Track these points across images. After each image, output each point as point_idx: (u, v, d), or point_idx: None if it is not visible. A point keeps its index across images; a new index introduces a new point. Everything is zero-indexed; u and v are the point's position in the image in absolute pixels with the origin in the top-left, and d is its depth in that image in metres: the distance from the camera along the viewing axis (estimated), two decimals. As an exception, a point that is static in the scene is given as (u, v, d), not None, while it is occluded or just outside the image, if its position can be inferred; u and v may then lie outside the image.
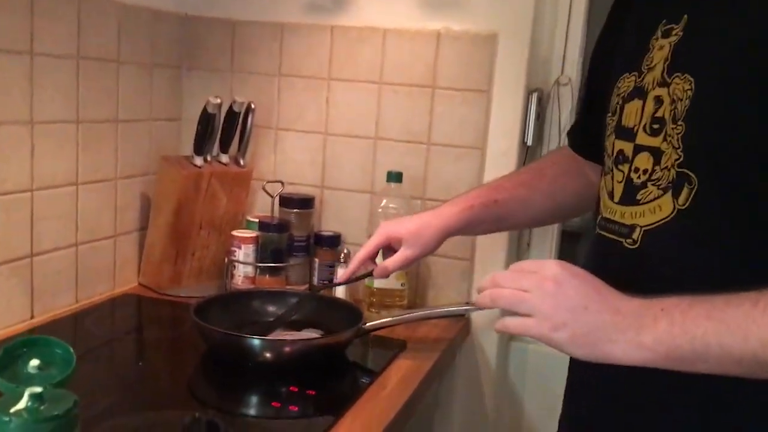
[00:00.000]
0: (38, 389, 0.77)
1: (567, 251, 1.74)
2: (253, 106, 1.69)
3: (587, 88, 1.19)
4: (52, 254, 1.43)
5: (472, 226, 1.28)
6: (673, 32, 0.87)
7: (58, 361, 0.99)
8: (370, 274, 1.36)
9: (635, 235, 0.88)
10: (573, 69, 1.65)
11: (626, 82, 0.94)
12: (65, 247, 1.46)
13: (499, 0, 1.59)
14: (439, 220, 1.26)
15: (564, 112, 1.66)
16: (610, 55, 1.02)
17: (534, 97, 1.61)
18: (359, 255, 1.32)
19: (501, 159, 1.60)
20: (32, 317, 1.39)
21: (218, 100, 1.61)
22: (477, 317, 1.63)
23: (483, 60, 1.60)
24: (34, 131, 1.34)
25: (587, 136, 1.15)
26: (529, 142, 1.62)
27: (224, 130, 1.66)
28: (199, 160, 1.64)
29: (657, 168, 0.86)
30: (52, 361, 0.98)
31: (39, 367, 0.95)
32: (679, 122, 0.82)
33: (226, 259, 1.66)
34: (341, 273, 1.52)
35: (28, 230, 1.36)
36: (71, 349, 1.00)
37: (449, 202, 1.29)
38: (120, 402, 1.13)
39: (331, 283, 1.64)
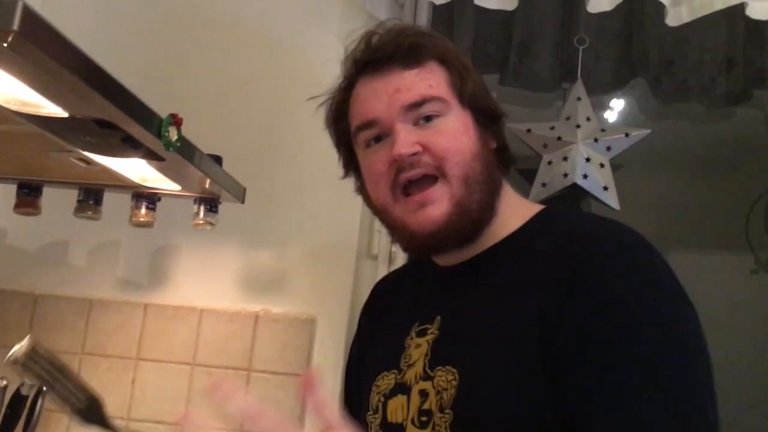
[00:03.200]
0: None
1: None
2: (45, 389, 1.52)
3: (345, 397, 1.17)
4: None
5: None
6: (429, 331, 0.92)
7: None
8: None
9: None
10: (390, 354, 1.67)
11: (386, 380, 0.96)
12: None
13: (318, 284, 1.62)
14: None
15: (382, 397, 1.64)
16: (361, 361, 1.08)
17: (352, 382, 1.59)
18: None
19: (318, 448, 1.52)
20: None
21: (4, 382, 1.44)
22: None
23: (301, 343, 1.59)
24: None
25: None
26: (348, 429, 1.56)
27: (7, 416, 1.47)
28: (-31, 452, 1.41)
29: None
30: None
31: None
32: (446, 411, 0.85)
33: None
34: None
35: None
36: None
37: None
38: None
39: None
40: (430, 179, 0.88)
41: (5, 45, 0.69)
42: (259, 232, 1.66)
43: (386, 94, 0.90)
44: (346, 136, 0.98)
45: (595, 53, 1.87)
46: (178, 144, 1.06)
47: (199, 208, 1.46)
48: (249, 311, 1.62)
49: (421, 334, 0.94)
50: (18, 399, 1.48)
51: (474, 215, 0.89)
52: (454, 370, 0.85)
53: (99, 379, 1.62)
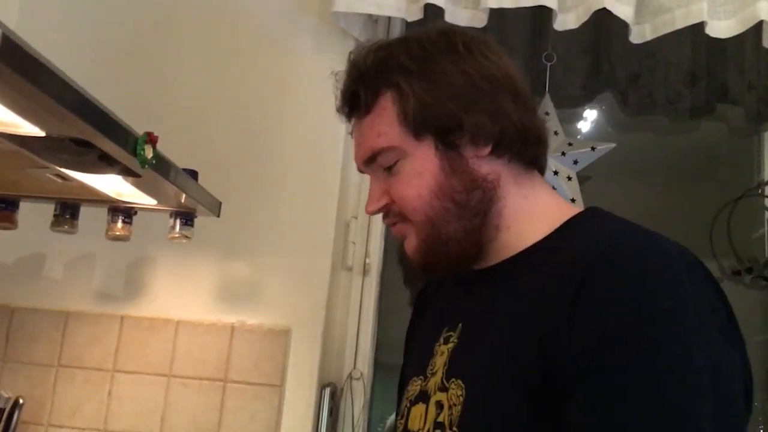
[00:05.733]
0: None
1: None
2: (21, 401, 1.53)
3: (398, 393, 1.14)
4: None
5: None
6: (451, 339, 0.90)
7: None
8: None
9: None
10: (365, 364, 1.70)
11: (414, 386, 0.94)
12: None
13: (293, 296, 1.64)
14: None
15: (357, 406, 1.66)
16: (406, 362, 1.06)
17: (327, 392, 1.61)
18: None
19: (293, 457, 1.55)
20: None
21: (-20, 396, 1.44)
22: None
23: (276, 354, 1.61)
24: None
25: None
26: (323, 438, 1.59)
27: (-18, 429, 1.47)
28: (-56, 466, 1.41)
29: None
30: None
31: None
32: (453, 428, 0.82)
33: None
34: None
35: None
36: None
37: None
38: None
39: None
40: (402, 219, 0.90)
41: (-18, 69, 0.72)
42: (234, 244, 1.68)
43: (355, 148, 0.93)
44: None
45: (563, 68, 1.93)
46: (154, 161, 1.08)
47: (175, 221, 1.48)
48: (225, 323, 1.64)
49: (446, 341, 0.91)
50: (-6, 412, 1.49)
51: (452, 246, 0.87)
52: (463, 385, 0.83)
53: (75, 391, 1.63)
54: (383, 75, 0.88)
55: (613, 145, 1.80)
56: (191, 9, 1.81)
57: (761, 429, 1.80)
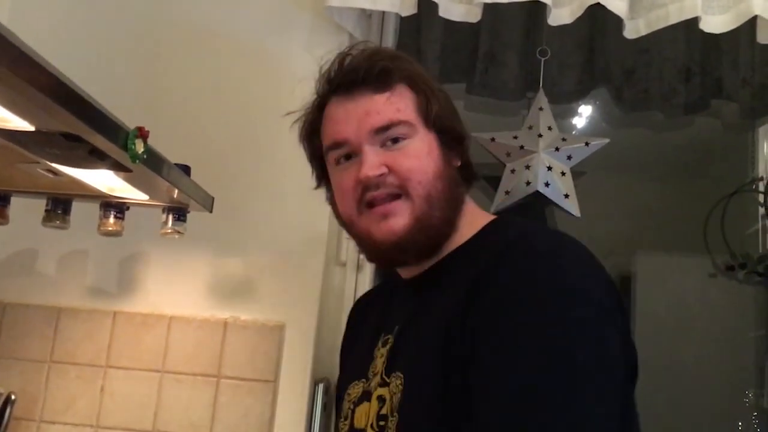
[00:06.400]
0: None
1: None
2: (13, 397, 1.52)
3: (336, 404, 1.20)
4: None
5: None
6: (389, 341, 0.99)
7: None
8: None
9: None
10: (358, 359, 1.70)
11: (355, 389, 1.01)
12: None
13: (286, 292, 1.64)
14: None
15: (351, 402, 1.66)
16: (342, 374, 1.14)
17: (321, 387, 1.61)
18: None
19: (287, 453, 1.54)
20: None
21: (-29, 392, 1.44)
22: None
23: (270, 350, 1.60)
24: None
25: None
26: (316, 434, 1.59)
27: (-26, 425, 1.47)
28: (-64, 462, 1.41)
29: None
30: None
31: None
32: (395, 413, 0.89)
33: None
34: None
35: None
36: None
37: None
38: None
39: None
40: (393, 197, 0.94)
41: (-30, 63, 0.71)
42: (227, 240, 1.68)
43: (356, 118, 0.95)
44: (318, 151, 1.03)
45: (558, 63, 1.92)
46: (144, 156, 1.07)
47: (167, 217, 1.47)
48: (218, 318, 1.63)
49: (384, 344, 1.00)
50: (-14, 408, 1.48)
51: (433, 231, 0.94)
52: (402, 376, 0.90)
53: (68, 387, 1.62)
54: (410, 70, 0.99)
55: (607, 140, 1.80)
56: (184, 3, 1.80)
57: (755, 423, 1.80)
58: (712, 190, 1.91)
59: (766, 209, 1.85)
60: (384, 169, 0.93)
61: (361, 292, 1.74)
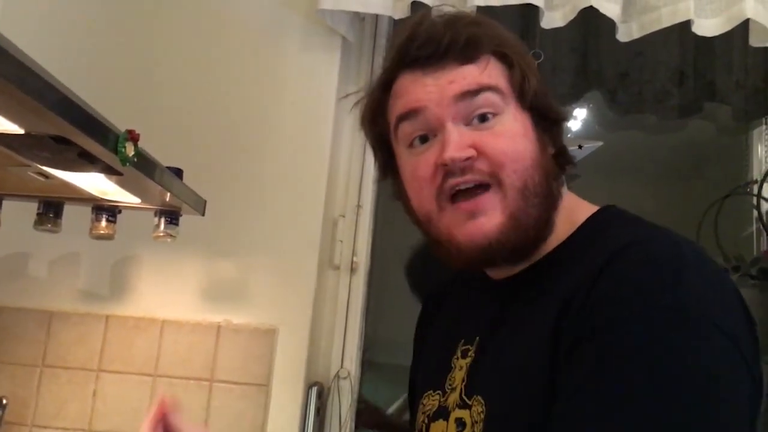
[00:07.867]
0: None
1: None
2: (5, 401, 1.51)
3: (410, 404, 1.06)
4: None
5: None
6: (469, 353, 0.85)
7: None
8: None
9: None
10: (352, 363, 1.69)
11: (431, 401, 0.89)
12: None
13: (279, 295, 1.63)
14: None
15: (344, 406, 1.66)
16: (415, 377, 1.00)
17: (314, 391, 1.61)
18: None
19: (280, 457, 1.54)
20: None
21: (-38, 396, 1.43)
22: None
23: (263, 353, 1.60)
24: None
25: None
26: (310, 438, 1.58)
27: (-35, 430, 1.46)
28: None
29: None
30: None
31: None
32: None
33: None
34: None
35: None
36: None
37: None
38: None
39: None
40: (482, 187, 0.78)
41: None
42: (220, 243, 1.67)
43: (437, 86, 0.79)
44: (384, 135, 0.87)
45: (552, 66, 1.92)
46: (135, 159, 1.07)
47: (159, 220, 1.46)
48: (211, 322, 1.63)
49: (464, 355, 0.86)
50: (-24, 413, 1.47)
51: (530, 232, 0.79)
52: (483, 402, 0.78)
53: (60, 391, 1.61)
54: (501, 37, 0.82)
55: (601, 143, 1.80)
56: (176, 5, 1.80)
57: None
58: (706, 193, 1.91)
59: (759, 212, 1.85)
60: (472, 152, 0.77)
61: (355, 296, 1.74)
